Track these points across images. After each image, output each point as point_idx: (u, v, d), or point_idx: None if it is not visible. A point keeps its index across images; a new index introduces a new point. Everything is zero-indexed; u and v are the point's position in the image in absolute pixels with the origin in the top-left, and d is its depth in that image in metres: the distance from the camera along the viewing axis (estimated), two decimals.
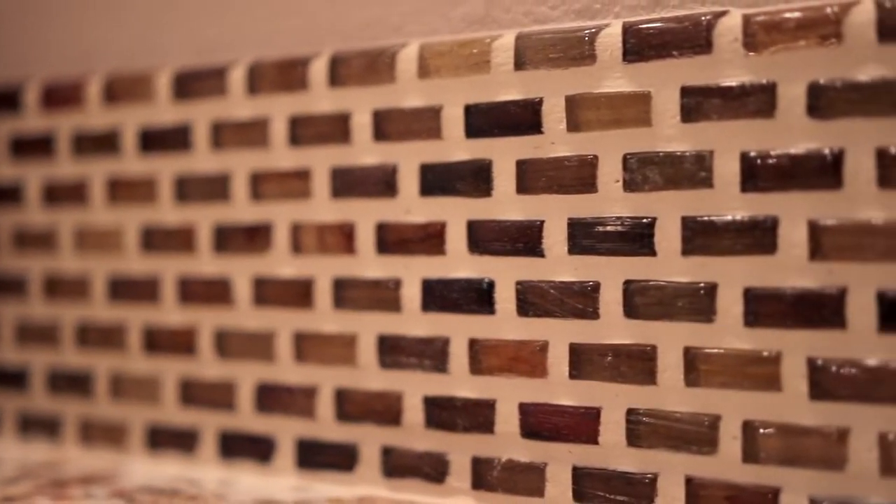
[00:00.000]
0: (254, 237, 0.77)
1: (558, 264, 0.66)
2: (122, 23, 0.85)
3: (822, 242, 0.58)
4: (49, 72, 0.87)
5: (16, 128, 0.88)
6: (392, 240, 0.71)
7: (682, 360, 0.62)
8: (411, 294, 0.71)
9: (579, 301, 0.65)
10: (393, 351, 0.71)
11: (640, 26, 0.63)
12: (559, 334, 0.66)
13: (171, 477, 0.77)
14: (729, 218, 0.61)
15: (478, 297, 0.68)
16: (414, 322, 0.71)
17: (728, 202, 0.61)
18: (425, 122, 0.70)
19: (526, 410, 0.67)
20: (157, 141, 0.81)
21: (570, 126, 0.65)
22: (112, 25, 0.85)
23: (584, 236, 0.65)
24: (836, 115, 0.58)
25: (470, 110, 0.69)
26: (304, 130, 0.75)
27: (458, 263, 0.69)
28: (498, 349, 0.68)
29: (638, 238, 0.63)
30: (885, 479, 0.57)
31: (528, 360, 0.67)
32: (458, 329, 0.69)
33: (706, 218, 0.61)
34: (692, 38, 0.62)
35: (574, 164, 0.65)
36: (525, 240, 0.67)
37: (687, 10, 0.63)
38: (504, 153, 0.67)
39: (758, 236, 0.60)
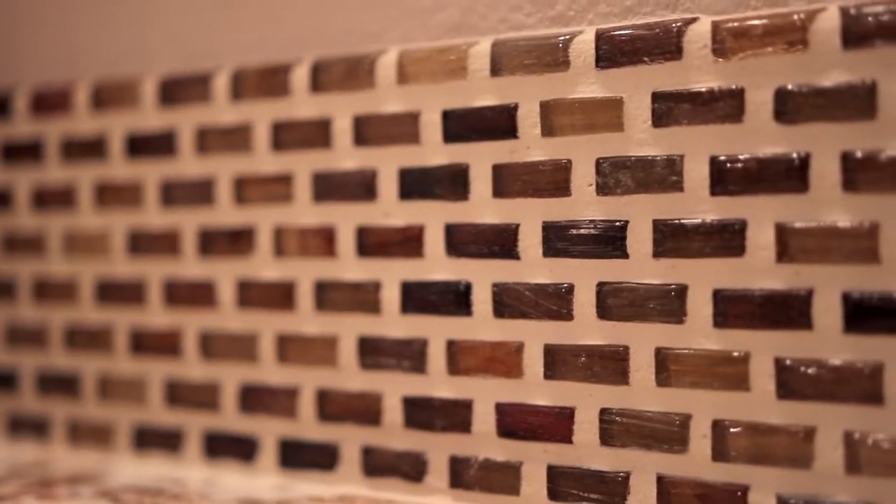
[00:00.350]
0: (237, 241, 0.78)
1: (533, 267, 0.67)
2: (109, 30, 0.86)
3: (788, 245, 0.60)
4: (38, 78, 0.89)
5: (5, 133, 0.89)
6: (372, 243, 0.73)
7: (654, 360, 0.63)
8: (390, 296, 0.72)
9: (554, 303, 0.66)
10: (373, 352, 0.73)
11: (613, 33, 0.65)
12: (534, 335, 0.67)
13: (156, 476, 0.78)
14: (699, 221, 0.62)
15: (455, 298, 0.70)
16: (393, 324, 0.72)
17: (698, 205, 0.62)
18: (404, 128, 0.71)
19: (502, 410, 0.68)
20: (143, 146, 0.82)
21: (545, 131, 0.67)
22: (99, 32, 0.87)
23: (558, 239, 0.66)
24: (803, 120, 0.59)
25: (447, 116, 0.70)
26: (286, 136, 0.76)
27: (436, 266, 0.70)
28: (475, 350, 0.69)
29: (610, 241, 0.64)
30: (851, 476, 0.58)
31: (504, 360, 0.68)
32: (436, 330, 0.70)
33: (677, 221, 0.63)
34: (663, 44, 0.63)
35: (548, 168, 0.66)
36: (501, 243, 0.68)
37: (658, 17, 0.65)
38: (480, 158, 0.69)
39: (727, 239, 0.61)
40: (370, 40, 0.75)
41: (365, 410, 0.73)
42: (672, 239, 0.63)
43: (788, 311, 0.60)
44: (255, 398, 0.78)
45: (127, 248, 0.83)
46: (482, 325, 0.69)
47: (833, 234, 0.58)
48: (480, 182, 0.69)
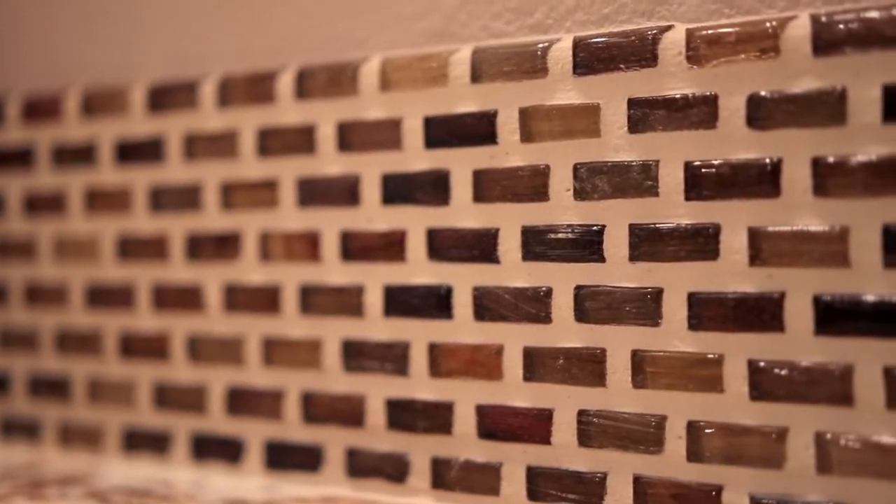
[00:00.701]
0: (224, 245, 0.79)
1: (513, 270, 0.68)
2: (99, 38, 0.87)
3: (761, 248, 0.61)
4: (29, 86, 0.90)
5: None
6: (355, 247, 0.74)
7: (630, 362, 0.64)
8: (373, 300, 0.73)
9: (533, 306, 0.67)
10: (356, 355, 0.74)
11: (590, 41, 0.66)
12: (514, 338, 0.68)
13: (144, 478, 0.79)
14: (673, 225, 0.63)
15: (437, 302, 0.71)
16: (376, 327, 0.73)
17: (673, 210, 0.63)
18: (386, 134, 0.72)
19: (482, 412, 0.69)
20: (131, 152, 0.84)
21: (524, 137, 0.68)
22: (89, 40, 0.88)
23: (536, 243, 0.67)
24: (775, 126, 0.60)
25: (429, 122, 0.71)
26: (271, 142, 0.77)
27: (418, 270, 0.71)
28: (456, 353, 0.70)
29: (588, 245, 0.65)
30: (822, 476, 0.59)
31: (485, 363, 0.69)
32: (418, 333, 0.71)
33: (652, 225, 0.64)
34: (638, 51, 0.64)
35: (527, 173, 0.67)
36: (481, 247, 0.69)
37: (634, 25, 0.66)
38: (461, 163, 0.70)
39: (701, 243, 0.62)
40: (354, 47, 0.76)
41: (349, 412, 0.74)
42: (648, 243, 0.64)
43: (761, 313, 0.61)
44: (241, 400, 0.79)
45: (116, 253, 0.84)
46: (463, 328, 0.70)
47: (804, 238, 0.59)
48: (461, 187, 0.70)
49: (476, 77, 0.69)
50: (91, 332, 0.86)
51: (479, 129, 0.69)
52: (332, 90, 0.74)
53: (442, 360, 0.70)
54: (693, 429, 0.62)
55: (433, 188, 0.71)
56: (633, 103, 0.64)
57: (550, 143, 0.67)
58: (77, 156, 0.86)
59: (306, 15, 0.78)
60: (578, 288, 0.66)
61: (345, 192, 0.74)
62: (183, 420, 0.81)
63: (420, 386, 0.71)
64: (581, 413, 0.66)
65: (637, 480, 0.64)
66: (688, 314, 0.62)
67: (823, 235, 0.59)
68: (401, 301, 0.72)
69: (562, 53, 0.66)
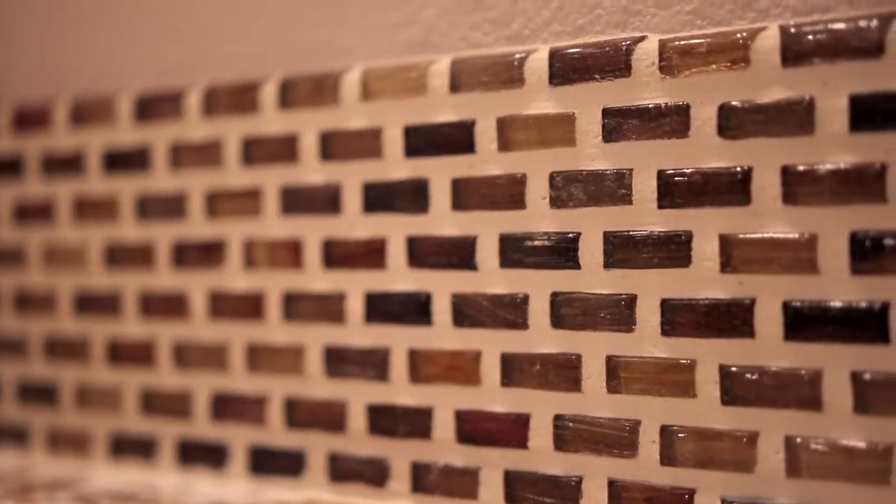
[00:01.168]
0: (209, 253, 0.80)
1: (490, 277, 0.69)
2: (87, 48, 0.88)
3: (732, 255, 0.61)
4: (18, 96, 0.91)
5: None
6: (337, 255, 0.75)
7: (605, 368, 0.65)
8: (355, 306, 0.74)
9: (510, 312, 0.68)
10: (338, 361, 0.75)
11: (566, 51, 0.67)
12: (492, 344, 0.69)
13: (131, 483, 0.80)
14: (647, 232, 0.64)
15: (416, 308, 0.72)
16: (357, 333, 0.74)
17: (646, 217, 0.64)
18: (367, 143, 0.73)
19: (461, 417, 0.70)
20: (119, 162, 0.85)
21: (501, 146, 0.69)
22: (77, 51, 0.89)
23: (514, 251, 0.68)
24: (745, 135, 0.61)
25: (409, 131, 0.72)
26: (255, 151, 0.78)
27: (399, 277, 0.72)
28: (435, 359, 0.71)
29: (563, 252, 0.66)
30: (791, 479, 0.60)
31: (463, 368, 0.70)
32: (399, 340, 0.72)
33: (626, 233, 0.65)
34: (613, 62, 0.65)
35: (504, 182, 0.68)
36: (460, 254, 0.70)
37: (608, 36, 0.67)
38: (440, 172, 0.71)
39: (673, 250, 0.63)
40: (337, 57, 0.77)
41: (330, 418, 0.75)
42: (622, 250, 0.65)
43: (732, 319, 0.61)
44: (225, 406, 0.80)
45: (103, 261, 0.85)
46: (442, 335, 0.71)
47: (774, 245, 0.60)
48: (440, 196, 0.71)
49: (455, 87, 0.70)
50: (79, 338, 0.87)
51: (457, 139, 0.70)
52: (314, 100, 0.76)
53: (422, 366, 0.71)
54: (666, 433, 0.63)
55: (413, 196, 0.72)
56: (607, 113, 0.65)
57: (527, 152, 0.68)
58: (65, 165, 0.87)
59: (290, 25, 0.79)
60: (554, 294, 0.67)
61: (327, 200, 0.75)
62: (169, 426, 0.82)
63: (400, 391, 0.72)
64: (557, 418, 0.67)
65: (612, 484, 0.65)
66: (661, 320, 0.63)
67: (792, 242, 0.60)
68: (381, 308, 0.73)
69: (538, 64, 0.67)
